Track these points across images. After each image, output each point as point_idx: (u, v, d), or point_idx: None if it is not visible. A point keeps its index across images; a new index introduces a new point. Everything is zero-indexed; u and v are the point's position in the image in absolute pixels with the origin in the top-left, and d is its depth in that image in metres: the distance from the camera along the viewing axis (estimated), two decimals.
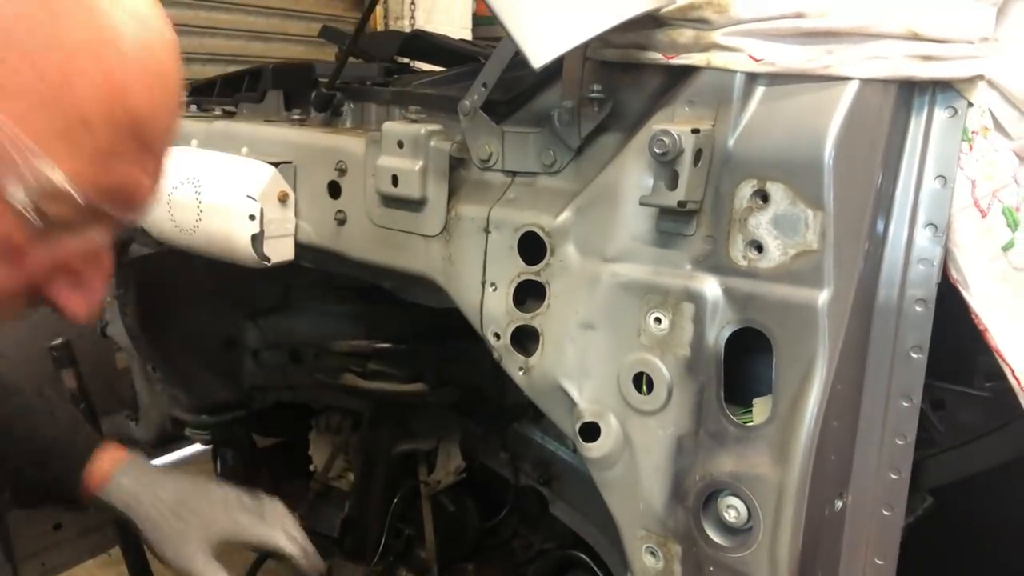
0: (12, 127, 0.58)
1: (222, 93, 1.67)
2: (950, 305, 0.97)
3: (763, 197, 0.94)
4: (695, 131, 0.92)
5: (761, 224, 0.94)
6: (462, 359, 1.74)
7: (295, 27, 4.06)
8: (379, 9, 4.85)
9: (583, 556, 2.00)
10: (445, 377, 1.70)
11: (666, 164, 0.93)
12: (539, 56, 0.95)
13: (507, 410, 1.81)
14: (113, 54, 0.61)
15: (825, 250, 0.90)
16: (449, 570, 2.02)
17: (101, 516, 1.19)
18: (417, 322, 1.68)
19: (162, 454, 3.91)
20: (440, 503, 1.89)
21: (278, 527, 1.19)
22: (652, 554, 1.07)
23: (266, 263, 1.31)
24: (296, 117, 1.45)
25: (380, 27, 4.79)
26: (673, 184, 0.94)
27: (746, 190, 0.94)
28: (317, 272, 1.70)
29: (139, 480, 1.17)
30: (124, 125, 0.63)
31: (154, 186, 0.71)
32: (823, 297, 0.90)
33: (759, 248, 0.94)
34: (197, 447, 3.22)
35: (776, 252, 0.93)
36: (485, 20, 5.11)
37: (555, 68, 1.13)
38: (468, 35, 5.03)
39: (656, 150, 0.91)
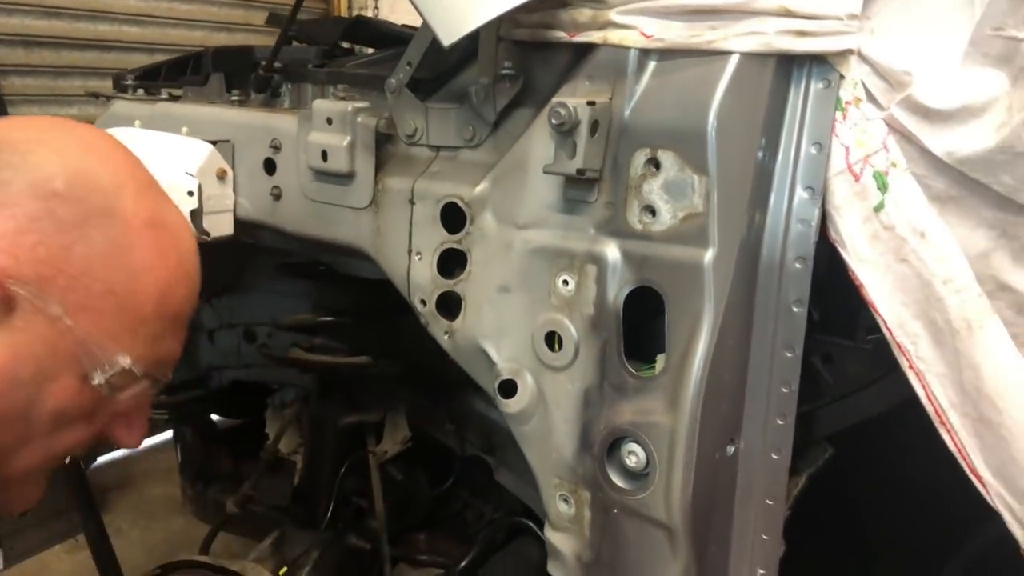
0: (95, 332, 0.78)
1: (168, 77, 1.72)
2: (835, 264, 1.05)
3: (655, 164, 1.01)
4: (591, 103, 1.00)
5: (654, 190, 1.01)
6: (406, 332, 1.80)
7: (258, 17, 4.09)
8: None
9: (529, 523, 2.09)
10: (389, 350, 1.76)
11: (564, 134, 1.00)
12: (448, 34, 1.02)
13: (451, 382, 1.88)
14: (164, 269, 0.82)
15: (709, 212, 0.98)
16: (401, 539, 2.09)
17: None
18: (363, 297, 1.74)
19: (111, 447, 3.95)
20: (389, 473, 1.96)
21: None
22: (565, 501, 1.15)
23: (205, 237, 1.37)
24: (236, 98, 1.51)
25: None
26: (572, 153, 1.01)
27: (640, 158, 1.02)
28: (269, 251, 1.77)
29: None
30: (169, 315, 0.84)
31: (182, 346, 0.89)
32: (708, 256, 0.98)
33: (652, 212, 1.02)
34: (159, 437, 3.28)
35: (667, 215, 1.01)
36: None
37: (474, 48, 1.20)
38: None
39: (553, 121, 0.99)
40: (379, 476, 1.87)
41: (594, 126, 1.01)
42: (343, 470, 1.87)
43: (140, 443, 0.91)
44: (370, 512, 1.95)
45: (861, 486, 1.31)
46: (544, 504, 1.18)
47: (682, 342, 1.00)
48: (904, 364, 1.03)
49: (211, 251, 1.51)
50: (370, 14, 4.86)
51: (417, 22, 1.15)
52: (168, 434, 3.12)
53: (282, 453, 1.95)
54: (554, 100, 1.00)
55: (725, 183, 0.98)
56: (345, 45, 1.81)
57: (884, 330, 1.03)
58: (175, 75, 1.69)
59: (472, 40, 1.21)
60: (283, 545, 1.84)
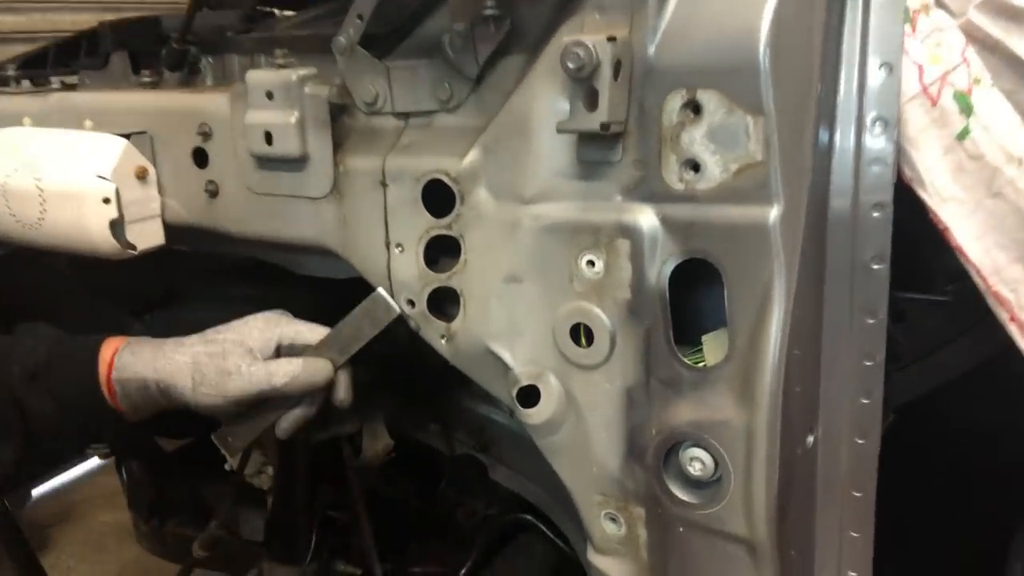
0: None
1: (58, 63, 1.45)
2: (899, 206, 0.88)
3: (695, 109, 0.81)
4: (611, 39, 0.79)
5: (696, 139, 0.82)
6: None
7: None
8: None
9: (531, 518, 1.92)
10: (357, 354, 1.55)
11: (582, 81, 0.80)
12: None
13: (432, 378, 1.68)
14: None
15: (771, 160, 0.79)
16: (392, 554, 1.90)
17: None
18: (322, 298, 1.52)
19: (61, 470, 3.66)
20: (372, 487, 1.75)
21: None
22: (612, 520, 0.97)
23: (132, 252, 1.13)
24: (147, 80, 1.25)
25: None
26: (592, 104, 0.81)
27: (675, 103, 0.82)
28: (208, 255, 1.53)
29: (150, 344, 1.07)
30: None
31: None
32: (774, 213, 0.79)
33: (696, 167, 0.83)
34: (99, 461, 2.99)
35: (716, 169, 0.82)
36: None
37: None
38: None
39: (570, 64, 0.78)
40: (362, 492, 1.66)
41: (617, 67, 0.81)
42: (322, 491, 1.65)
43: None
44: (354, 531, 1.75)
45: (923, 459, 1.16)
46: (585, 525, 0.99)
47: (749, 321, 0.82)
48: (1004, 317, 0.86)
49: (133, 263, 1.29)
50: None
51: None
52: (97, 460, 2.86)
53: (246, 475, 1.72)
54: (566, 40, 0.79)
55: (785, 123, 0.79)
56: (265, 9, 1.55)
57: (977, 279, 0.86)
58: (66, 59, 1.42)
59: None
60: None
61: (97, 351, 1.03)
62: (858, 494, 0.92)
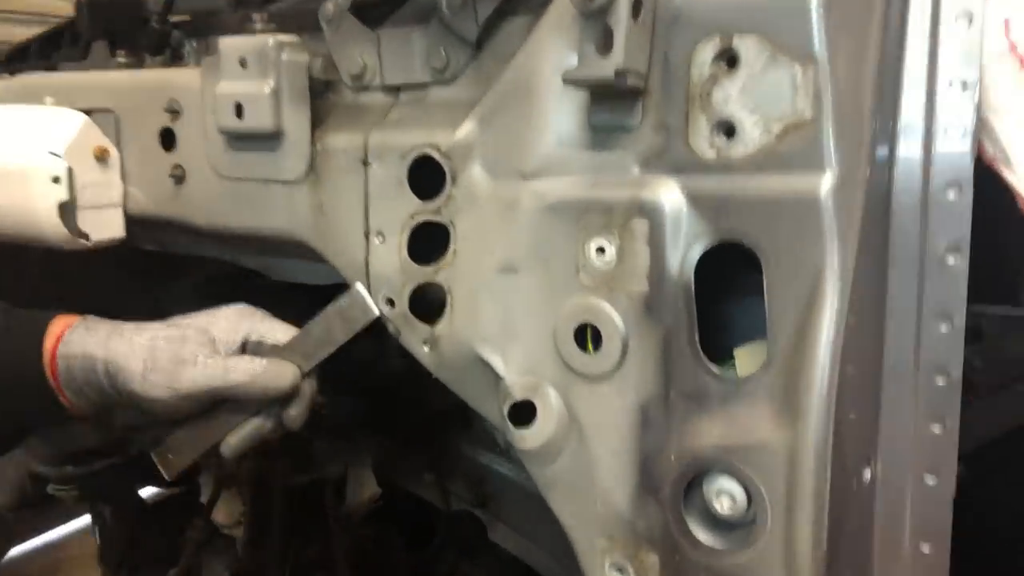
0: None
1: (41, 55, 1.35)
2: (979, 195, 0.73)
3: (730, 60, 0.68)
4: None
5: (731, 96, 0.68)
6: (368, 360, 1.44)
7: None
8: None
9: None
10: (346, 385, 1.39)
11: (595, 18, 0.66)
12: None
13: (426, 419, 1.52)
14: None
15: (822, 117, 0.64)
16: None
17: None
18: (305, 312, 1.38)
19: (50, 528, 3.49)
20: (356, 540, 1.57)
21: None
22: (619, 571, 0.79)
23: (84, 242, 1.00)
24: (122, 60, 1.14)
25: None
26: (607, 46, 0.67)
27: (706, 54, 0.69)
28: (194, 270, 1.40)
29: (109, 324, 0.93)
30: None
31: None
32: (826, 183, 0.64)
33: (730, 131, 0.68)
34: (87, 519, 2.83)
35: (755, 132, 0.67)
36: None
37: None
38: None
39: None
40: (344, 545, 1.48)
41: (636, 6, 0.67)
42: (297, 545, 1.48)
43: None
44: None
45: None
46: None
47: (795, 317, 0.66)
48: None
49: (124, 271, 1.16)
50: None
51: None
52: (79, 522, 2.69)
53: (220, 524, 1.55)
54: None
55: (840, 73, 0.65)
56: None
57: None
58: (49, 52, 1.32)
59: None
60: None
61: (47, 323, 0.91)
62: (927, 550, 0.74)
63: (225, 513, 1.58)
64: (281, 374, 0.90)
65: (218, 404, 0.92)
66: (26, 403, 0.91)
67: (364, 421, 1.49)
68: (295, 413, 0.93)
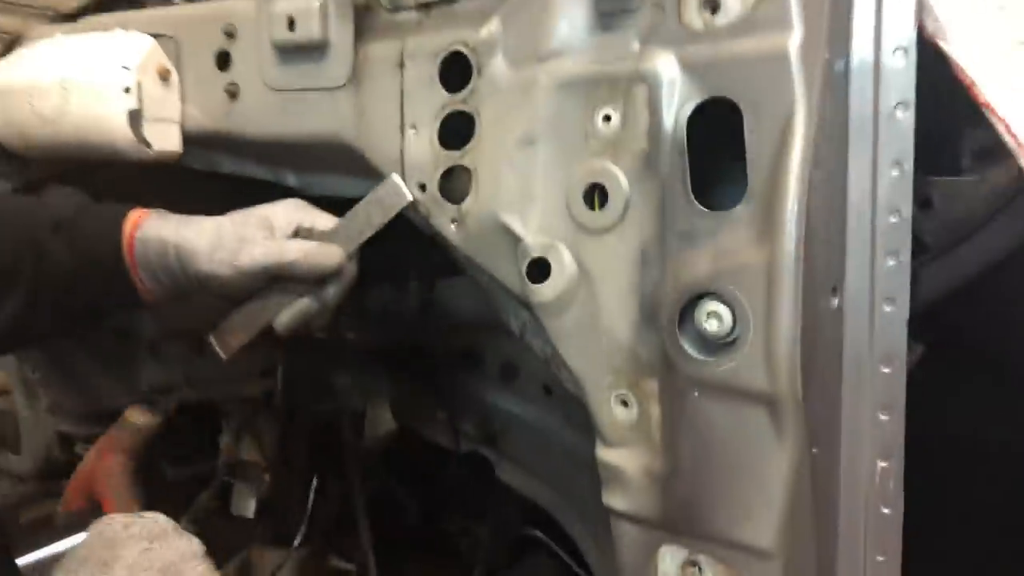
0: None
1: (99, 9, 1.49)
2: (923, 80, 0.86)
3: None
4: None
5: None
6: (386, 301, 1.56)
7: None
8: None
9: (538, 533, 1.81)
10: (365, 323, 1.51)
11: None
12: None
13: (440, 362, 1.63)
14: None
15: None
16: (388, 566, 1.78)
17: None
18: None
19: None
20: (371, 479, 1.67)
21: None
22: (624, 403, 0.90)
23: (147, 149, 1.13)
24: (179, 2, 1.28)
25: None
26: None
27: None
28: None
29: (180, 216, 1.06)
30: None
31: None
32: (794, 39, 0.78)
33: (715, 6, 0.82)
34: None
35: (735, 4, 0.81)
36: None
37: None
38: None
39: None
40: (360, 481, 1.58)
41: None
42: (318, 474, 1.58)
43: None
44: (350, 526, 1.65)
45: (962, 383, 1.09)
46: (595, 417, 0.93)
47: (769, 156, 0.79)
48: None
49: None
50: None
51: None
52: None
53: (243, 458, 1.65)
54: None
55: None
56: None
57: (1006, 136, 0.83)
58: (107, 7, 1.46)
59: None
60: (251, 568, 1.53)
61: (125, 213, 1.02)
62: (887, 369, 0.85)
63: (250, 451, 1.68)
64: (329, 254, 1.02)
65: (271, 284, 1.04)
66: (103, 283, 1.02)
67: (383, 360, 1.60)
68: (334, 291, 1.05)
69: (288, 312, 1.04)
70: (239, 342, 1.06)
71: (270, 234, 1.02)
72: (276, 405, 1.55)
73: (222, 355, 1.07)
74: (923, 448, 0.89)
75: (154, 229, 1.01)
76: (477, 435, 1.64)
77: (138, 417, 1.06)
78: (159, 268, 1.01)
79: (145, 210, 1.04)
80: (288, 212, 1.05)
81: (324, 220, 1.06)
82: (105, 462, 1.03)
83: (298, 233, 1.05)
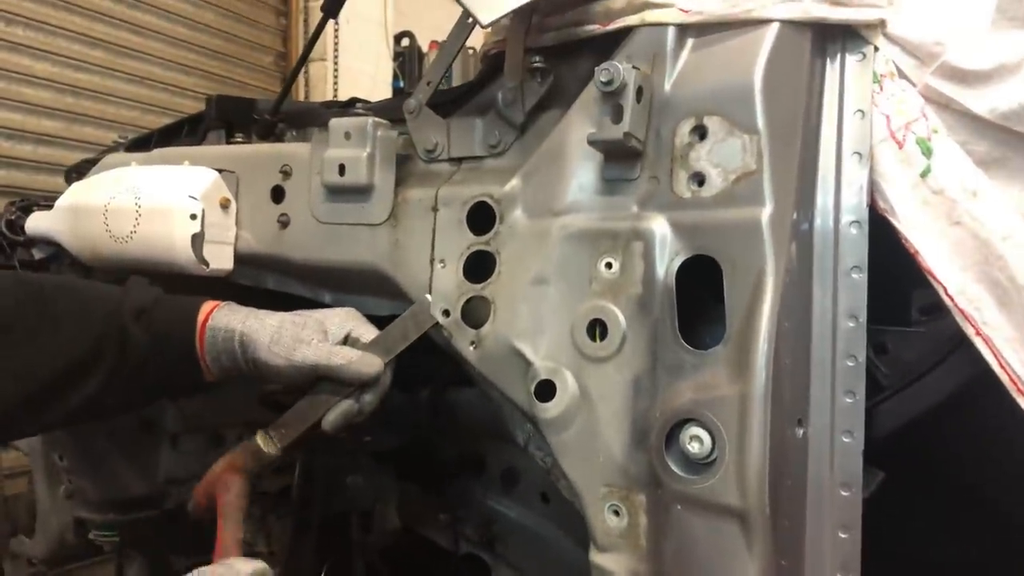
0: None
1: (160, 144, 1.68)
2: (878, 248, 1.03)
3: (701, 133, 1.00)
4: (635, 68, 0.99)
5: (702, 156, 0.99)
6: (400, 408, 1.69)
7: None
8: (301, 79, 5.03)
9: None
10: (378, 425, 1.64)
11: (610, 96, 0.99)
12: (487, 14, 1.03)
13: (446, 465, 1.75)
14: None
15: (763, 169, 0.95)
16: None
17: None
18: None
19: None
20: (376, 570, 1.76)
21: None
22: (615, 513, 1.03)
23: (204, 267, 1.29)
24: (238, 140, 1.47)
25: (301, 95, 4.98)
26: (617, 117, 0.99)
27: (685, 128, 1.01)
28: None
29: (247, 308, 1.19)
30: None
31: None
32: (766, 212, 0.95)
33: (701, 181, 0.99)
34: None
35: (718, 180, 0.98)
36: None
37: (497, 66, 1.21)
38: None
39: (601, 79, 0.97)
40: (365, 574, 1.67)
41: (639, 92, 1.00)
42: (327, 567, 1.67)
43: None
44: None
45: (921, 507, 1.21)
46: (589, 523, 1.05)
47: (744, 306, 0.94)
48: (970, 332, 0.98)
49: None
50: (329, 94, 4.98)
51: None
52: None
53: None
54: (600, 66, 0.99)
55: (775, 140, 0.96)
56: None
57: (945, 297, 0.99)
58: (167, 141, 1.66)
59: (496, 59, 1.22)
60: None
61: (200, 303, 1.18)
62: (845, 493, 0.99)
63: (261, 543, 1.78)
64: (371, 363, 1.16)
65: (318, 385, 1.17)
66: (173, 365, 1.17)
67: (392, 462, 1.72)
68: (371, 398, 1.18)
69: (334, 412, 1.17)
70: (291, 436, 1.19)
71: (324, 337, 1.16)
72: (292, 500, 1.66)
73: (275, 448, 1.20)
74: (882, 565, 1.02)
75: (223, 320, 1.16)
76: (476, 538, 1.74)
77: (263, 444, 1.20)
78: (223, 352, 1.16)
79: (217, 302, 1.20)
80: (342, 319, 1.20)
81: (370, 332, 1.20)
82: (227, 475, 1.16)
83: (347, 340, 1.19)
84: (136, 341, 1.13)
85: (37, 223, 1.51)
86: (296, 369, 1.13)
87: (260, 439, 1.18)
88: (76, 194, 1.41)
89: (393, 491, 1.73)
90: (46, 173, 3.50)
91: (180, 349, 1.14)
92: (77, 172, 1.71)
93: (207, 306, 1.17)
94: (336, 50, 5.08)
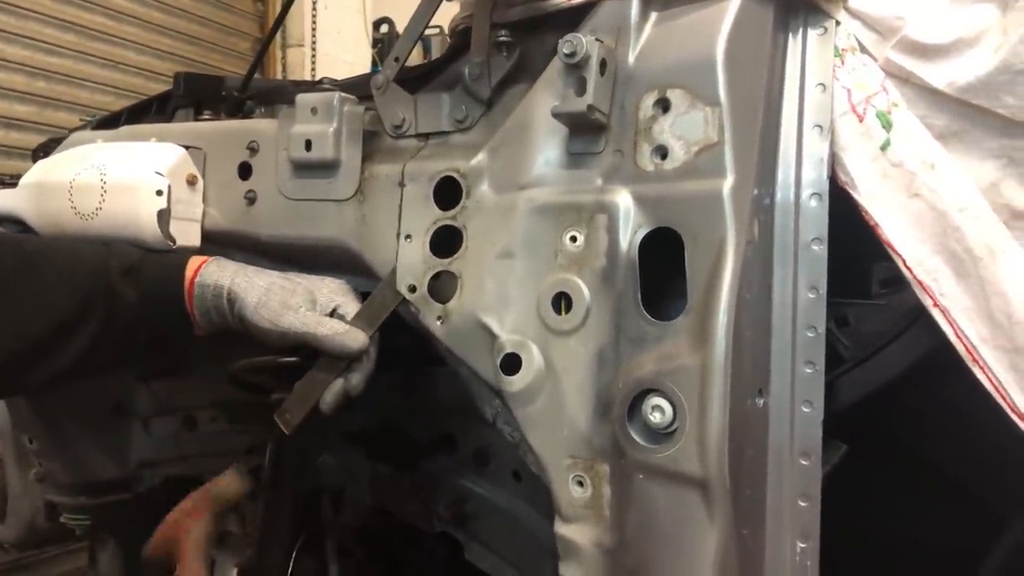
0: None
1: (128, 123, 1.67)
2: (840, 221, 1.04)
3: (664, 106, 1.00)
4: (599, 40, 1.00)
5: (664, 129, 1.00)
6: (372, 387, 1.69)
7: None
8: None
9: None
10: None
11: (573, 69, 0.99)
12: None
13: (419, 445, 1.75)
14: None
15: (724, 141, 0.96)
16: None
17: None
18: None
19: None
20: (347, 551, 1.77)
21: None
22: (579, 483, 1.04)
23: (171, 244, 1.28)
24: (206, 118, 1.46)
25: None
26: (581, 89, 0.99)
27: (648, 101, 1.01)
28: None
29: (236, 263, 1.20)
30: None
31: None
32: (727, 184, 0.95)
33: (664, 153, 1.00)
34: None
35: (680, 152, 0.99)
36: None
37: (465, 42, 1.21)
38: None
39: (565, 51, 0.98)
40: (337, 553, 1.68)
41: (603, 65, 1.00)
42: (299, 545, 1.67)
43: None
44: None
45: (883, 481, 1.23)
46: (554, 495, 1.06)
47: (705, 277, 0.95)
48: (928, 303, 1.00)
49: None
50: (307, 75, 4.97)
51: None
52: None
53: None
54: (563, 37, 0.99)
55: (737, 113, 0.97)
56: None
57: (903, 269, 1.00)
58: (136, 119, 1.64)
59: (464, 35, 1.22)
60: None
61: (187, 259, 1.18)
62: (805, 461, 1.00)
63: (234, 524, 1.78)
64: (356, 337, 1.16)
65: (299, 351, 1.17)
66: (164, 319, 1.17)
67: (364, 442, 1.72)
68: (360, 376, 1.19)
69: (329, 394, 1.18)
70: (296, 419, 1.20)
71: (312, 306, 1.17)
72: (263, 481, 1.65)
73: (285, 431, 1.20)
74: (846, 538, 1.03)
75: (212, 276, 1.16)
76: (449, 517, 1.74)
77: (233, 482, 1.19)
78: (212, 308, 1.16)
79: (205, 257, 1.19)
80: (332, 291, 1.20)
81: (356, 309, 1.20)
82: (192, 518, 1.15)
83: (335, 312, 1.19)
84: (125, 299, 1.13)
85: (1, 201, 1.49)
86: (281, 334, 1.13)
87: (228, 477, 1.19)
88: (41, 171, 1.39)
89: (364, 471, 1.73)
90: (17, 158, 3.47)
91: (170, 305, 1.14)
92: (44, 151, 1.69)
93: (195, 261, 1.17)
94: (314, 36, 5.05)
